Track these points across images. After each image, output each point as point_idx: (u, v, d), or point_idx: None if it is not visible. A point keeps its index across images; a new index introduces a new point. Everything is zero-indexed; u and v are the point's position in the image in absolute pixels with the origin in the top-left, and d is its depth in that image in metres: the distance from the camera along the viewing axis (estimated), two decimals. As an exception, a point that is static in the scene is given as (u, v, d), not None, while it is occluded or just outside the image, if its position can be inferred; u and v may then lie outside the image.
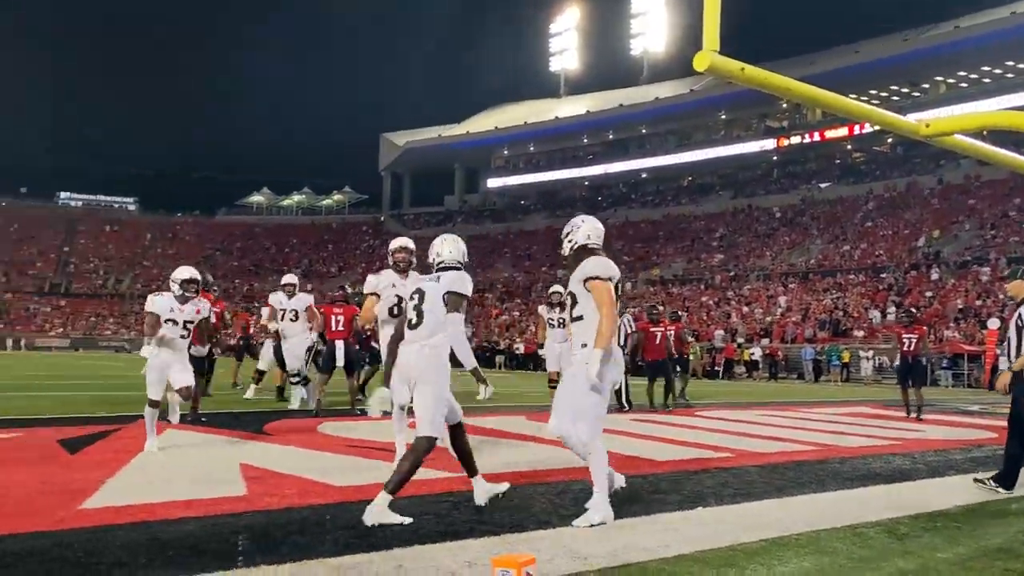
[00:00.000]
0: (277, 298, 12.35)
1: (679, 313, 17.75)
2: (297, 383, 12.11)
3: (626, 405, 12.94)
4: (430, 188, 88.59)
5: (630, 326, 13.84)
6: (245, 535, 4.22)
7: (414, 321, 5.02)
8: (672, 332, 14.49)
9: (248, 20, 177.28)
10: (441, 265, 5.21)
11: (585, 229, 5.11)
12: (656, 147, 72.81)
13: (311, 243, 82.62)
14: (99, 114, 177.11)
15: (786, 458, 7.97)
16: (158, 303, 7.26)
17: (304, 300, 12.29)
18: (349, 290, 13.55)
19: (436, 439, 4.85)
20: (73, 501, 4.91)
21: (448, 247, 5.25)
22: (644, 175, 74.26)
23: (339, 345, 11.16)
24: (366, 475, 6.11)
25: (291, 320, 12.09)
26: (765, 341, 38.64)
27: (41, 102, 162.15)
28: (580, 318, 4.89)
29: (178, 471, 6.11)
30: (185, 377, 7.32)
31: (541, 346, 14.77)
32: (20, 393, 14.56)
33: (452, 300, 4.99)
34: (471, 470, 5.15)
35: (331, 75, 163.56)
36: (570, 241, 5.12)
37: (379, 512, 4.53)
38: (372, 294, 7.59)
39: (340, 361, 11.09)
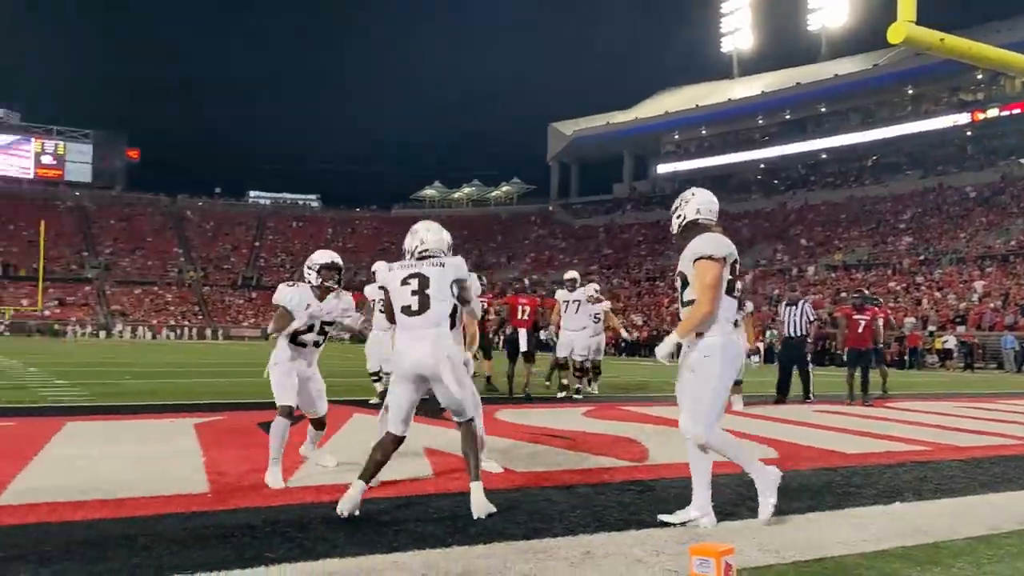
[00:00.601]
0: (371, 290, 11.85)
1: (879, 299, 16.83)
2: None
3: (811, 396, 12.46)
4: (598, 176, 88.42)
5: (811, 314, 13.18)
6: (440, 516, 4.36)
7: (414, 308, 4.62)
8: (881, 319, 13.80)
9: (417, 18, 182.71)
10: (425, 253, 4.82)
11: (695, 203, 4.58)
12: (837, 126, 69.45)
13: (481, 234, 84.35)
14: (284, 118, 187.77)
15: (990, 452, 7.42)
16: (287, 295, 5.50)
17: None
18: (526, 281, 13.77)
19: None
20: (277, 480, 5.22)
21: (433, 235, 4.91)
22: (824, 156, 70.99)
23: (523, 333, 11.53)
24: (545, 461, 6.17)
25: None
26: (961, 328, 36.18)
27: (232, 109, 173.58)
28: (692, 303, 4.36)
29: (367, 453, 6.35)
30: (321, 404, 5.73)
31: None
32: (219, 380, 15.68)
33: (467, 289, 4.81)
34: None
35: (499, 67, 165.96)
36: (679, 217, 4.62)
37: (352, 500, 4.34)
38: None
39: (523, 347, 11.48)
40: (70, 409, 9.34)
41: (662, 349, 4.45)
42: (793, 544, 3.93)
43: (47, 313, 62.21)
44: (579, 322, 12.04)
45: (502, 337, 13.77)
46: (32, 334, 57.05)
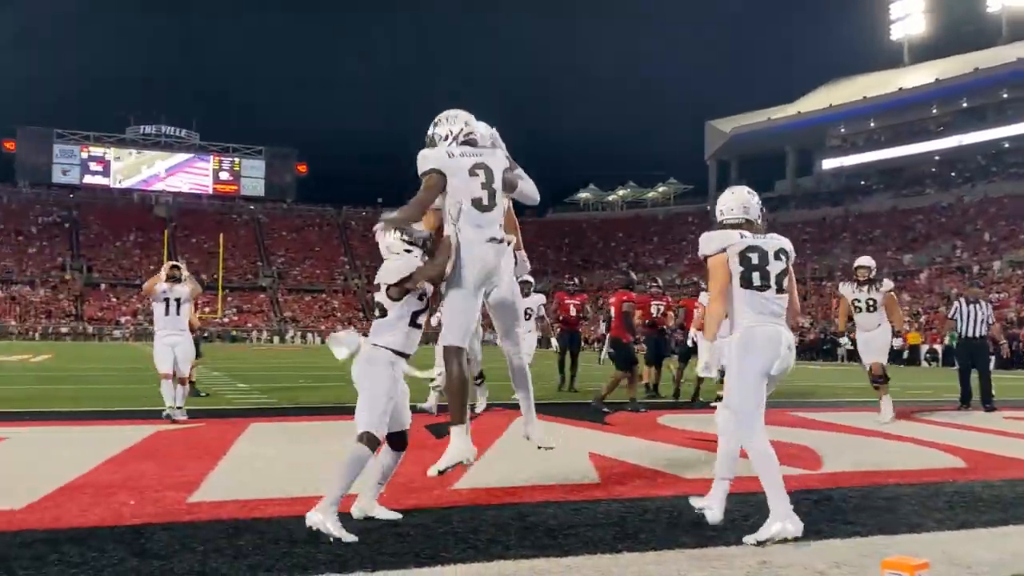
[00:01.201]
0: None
1: None
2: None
3: (991, 403, 11.50)
4: (759, 174, 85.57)
5: (989, 314, 11.81)
6: (608, 521, 4.34)
7: (485, 202, 4.32)
8: None
9: (559, 22, 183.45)
10: (472, 138, 4.49)
11: (719, 205, 4.55)
12: (1020, 113, 64.63)
13: (636, 236, 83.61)
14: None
15: None
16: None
17: (535, 300, 12.11)
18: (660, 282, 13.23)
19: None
20: (446, 481, 5.35)
21: (475, 121, 4.57)
22: (1007, 144, 66.20)
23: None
24: (712, 468, 6.04)
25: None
26: None
27: (399, 112, 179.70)
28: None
29: (533, 457, 6.41)
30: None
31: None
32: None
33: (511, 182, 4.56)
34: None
35: (653, 66, 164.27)
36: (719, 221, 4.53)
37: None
38: None
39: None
40: (253, 411, 9.91)
41: (700, 360, 4.47)
42: (985, 560, 3.68)
43: (226, 320, 66.31)
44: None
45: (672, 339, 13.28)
46: (212, 340, 61.01)
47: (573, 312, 13.71)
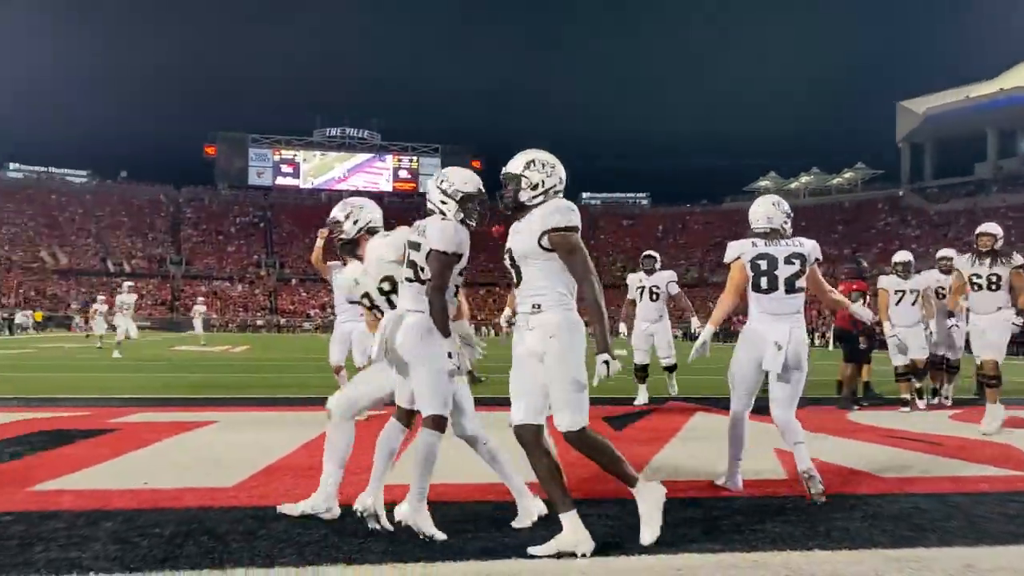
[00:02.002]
0: (636, 276, 10.48)
1: None
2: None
3: None
4: (956, 156, 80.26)
5: None
6: (798, 518, 4.23)
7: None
8: None
9: (748, 5, 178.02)
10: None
11: (750, 214, 5.24)
12: None
13: (821, 224, 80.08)
14: (614, 120, 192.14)
15: None
16: None
17: (663, 277, 10.26)
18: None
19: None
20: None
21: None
22: None
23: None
24: (911, 467, 5.74)
25: (650, 300, 10.25)
26: None
27: (563, 115, 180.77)
28: None
29: (713, 452, 6.29)
30: None
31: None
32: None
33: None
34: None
35: (837, 48, 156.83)
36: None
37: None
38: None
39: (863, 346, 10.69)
40: None
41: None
42: None
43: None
44: (911, 316, 9.95)
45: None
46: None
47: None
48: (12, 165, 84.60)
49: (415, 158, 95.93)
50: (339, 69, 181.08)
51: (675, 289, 10.17)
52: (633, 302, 10.34)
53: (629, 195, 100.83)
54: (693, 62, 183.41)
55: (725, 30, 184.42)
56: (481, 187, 4.10)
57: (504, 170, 3.91)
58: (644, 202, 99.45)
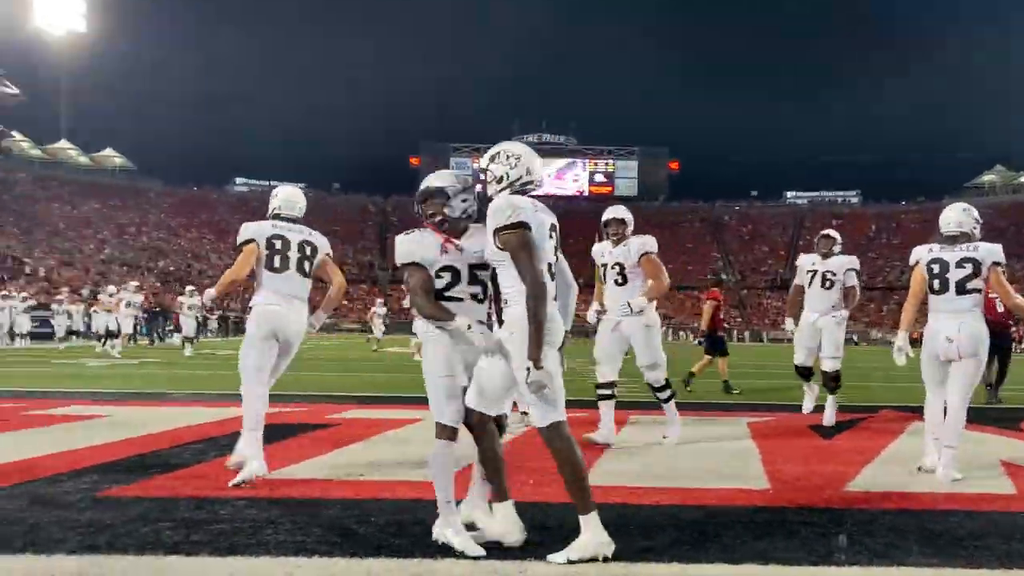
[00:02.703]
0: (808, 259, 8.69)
1: None
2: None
3: None
4: None
5: None
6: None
7: (553, 269, 3.74)
8: None
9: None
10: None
11: (940, 218, 5.70)
12: None
13: (1056, 221, 73.16)
14: (820, 114, 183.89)
15: None
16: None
17: (839, 262, 8.44)
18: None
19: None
20: (836, 482, 5.15)
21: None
22: None
23: None
24: None
25: (821, 287, 8.39)
26: None
27: (764, 112, 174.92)
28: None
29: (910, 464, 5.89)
30: None
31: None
32: (764, 381, 15.83)
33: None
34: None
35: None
36: None
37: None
38: None
39: None
40: (633, 404, 9.51)
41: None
42: None
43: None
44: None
45: None
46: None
47: (1001, 308, 10.50)
48: (238, 179, 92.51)
49: (611, 161, 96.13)
50: (536, 75, 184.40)
51: (853, 280, 8.41)
52: (801, 288, 8.54)
53: (839, 193, 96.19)
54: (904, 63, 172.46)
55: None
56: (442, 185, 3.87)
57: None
58: (854, 200, 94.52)
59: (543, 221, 3.66)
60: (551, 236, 3.71)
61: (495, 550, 3.55)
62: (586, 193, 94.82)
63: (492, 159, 3.80)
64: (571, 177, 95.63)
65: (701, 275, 78.83)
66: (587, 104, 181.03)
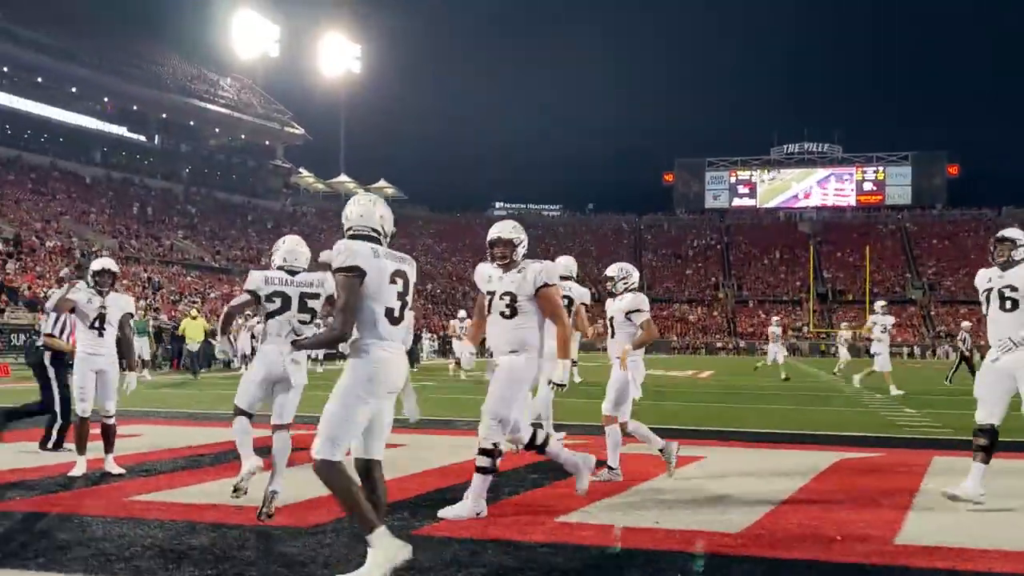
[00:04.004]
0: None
1: None
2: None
3: None
4: None
5: None
6: None
7: (397, 315, 3.85)
8: None
9: None
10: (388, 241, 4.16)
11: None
12: None
13: None
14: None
15: None
16: None
17: None
18: None
19: None
20: None
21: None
22: None
23: None
24: None
25: (1001, 309, 6.07)
26: None
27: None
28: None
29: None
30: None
31: None
32: None
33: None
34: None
35: None
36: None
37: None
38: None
39: None
40: (934, 443, 8.88)
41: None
42: None
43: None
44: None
45: None
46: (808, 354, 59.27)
47: None
48: (497, 204, 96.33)
49: (881, 168, 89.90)
50: (797, 81, 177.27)
51: None
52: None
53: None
54: None
55: None
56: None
57: None
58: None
59: (383, 267, 3.77)
60: (394, 281, 3.80)
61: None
62: (854, 203, 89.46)
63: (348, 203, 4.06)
64: (833, 187, 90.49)
65: (987, 288, 71.58)
66: (852, 110, 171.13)
